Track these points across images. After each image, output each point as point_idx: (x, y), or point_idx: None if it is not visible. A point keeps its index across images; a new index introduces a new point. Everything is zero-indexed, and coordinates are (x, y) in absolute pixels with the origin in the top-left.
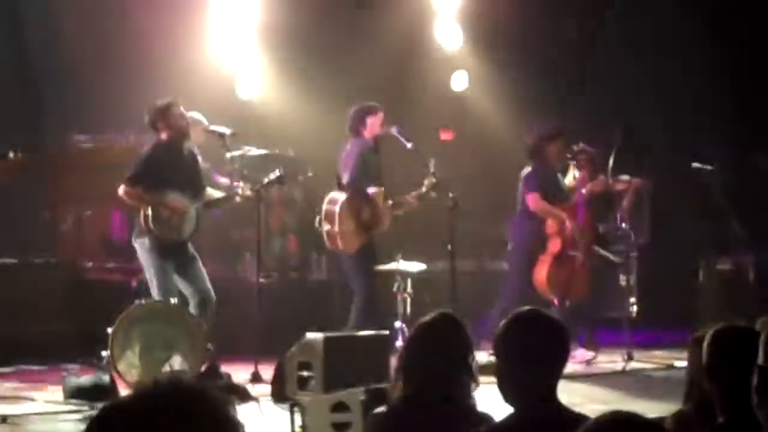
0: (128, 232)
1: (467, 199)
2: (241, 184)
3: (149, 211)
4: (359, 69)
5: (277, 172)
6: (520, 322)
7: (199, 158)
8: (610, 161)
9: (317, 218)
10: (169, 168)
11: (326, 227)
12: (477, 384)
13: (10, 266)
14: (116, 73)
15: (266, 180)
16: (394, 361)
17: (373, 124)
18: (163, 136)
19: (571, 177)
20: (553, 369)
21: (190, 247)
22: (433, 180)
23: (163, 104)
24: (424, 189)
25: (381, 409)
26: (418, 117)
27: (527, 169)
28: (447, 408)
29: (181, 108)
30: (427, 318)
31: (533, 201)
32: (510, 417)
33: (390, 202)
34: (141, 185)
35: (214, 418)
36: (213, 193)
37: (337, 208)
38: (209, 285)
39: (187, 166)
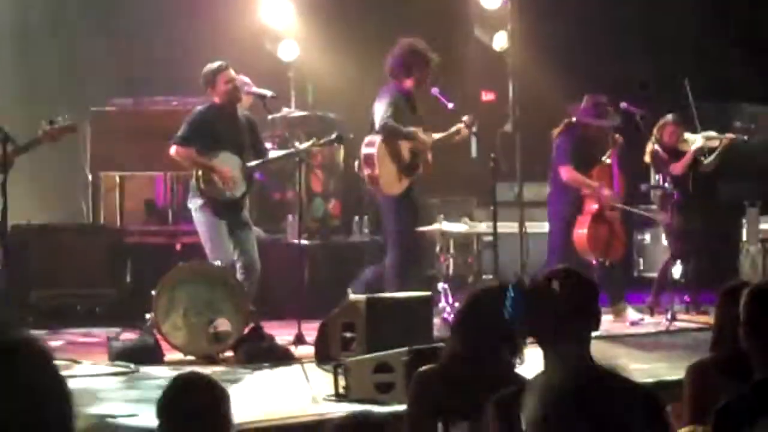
0: (171, 196)
1: (508, 160)
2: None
3: (200, 173)
4: (400, 30)
5: (335, 134)
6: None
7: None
8: (695, 119)
9: (356, 162)
10: (221, 129)
11: (367, 171)
12: (521, 357)
13: (54, 230)
14: (160, 37)
15: (324, 139)
16: (437, 322)
17: (419, 77)
18: (216, 99)
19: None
20: (584, 325)
21: (245, 213)
22: (471, 117)
23: (212, 69)
24: (462, 124)
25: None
26: (460, 78)
27: (557, 135)
28: (492, 367)
29: (231, 72)
30: (477, 290)
31: (565, 173)
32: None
33: (432, 137)
34: (192, 146)
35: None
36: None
37: (375, 150)
38: (257, 255)
39: (241, 129)
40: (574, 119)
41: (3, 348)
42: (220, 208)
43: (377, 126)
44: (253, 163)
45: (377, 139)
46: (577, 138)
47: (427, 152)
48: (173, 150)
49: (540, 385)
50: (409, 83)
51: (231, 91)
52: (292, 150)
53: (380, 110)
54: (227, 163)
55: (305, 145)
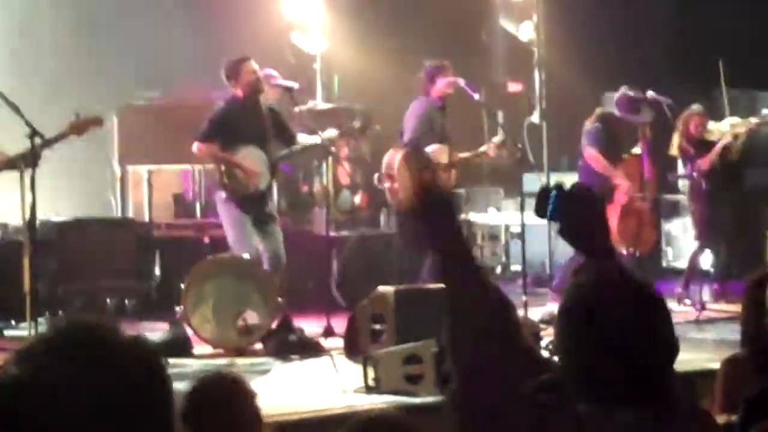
0: (199, 189)
1: (534, 151)
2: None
3: (223, 167)
4: (426, 22)
5: (358, 121)
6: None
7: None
8: (725, 104)
9: (376, 175)
10: (243, 124)
11: (387, 184)
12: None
13: (83, 224)
14: (185, 31)
15: (348, 126)
16: None
17: (442, 84)
18: (238, 92)
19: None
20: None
21: (270, 205)
22: (501, 138)
23: (235, 60)
24: (491, 145)
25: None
26: (486, 69)
27: (590, 125)
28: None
29: (254, 64)
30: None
31: (588, 155)
32: None
33: (458, 156)
34: (213, 141)
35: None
36: (306, 139)
37: (395, 164)
38: (282, 248)
39: (264, 122)
40: (607, 109)
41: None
42: (243, 201)
43: (405, 139)
44: (280, 154)
45: (399, 154)
46: (607, 129)
47: (447, 179)
48: (195, 147)
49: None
50: (436, 92)
51: (255, 82)
52: (316, 139)
53: (411, 123)
54: (250, 157)
55: (328, 133)
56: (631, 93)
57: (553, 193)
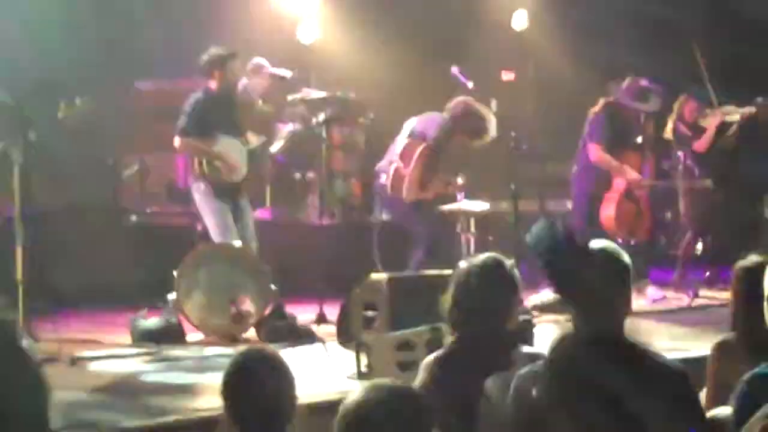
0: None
1: (529, 139)
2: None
3: (204, 159)
4: (419, 9)
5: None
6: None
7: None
8: (711, 92)
9: (393, 152)
10: (217, 115)
11: (399, 163)
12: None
13: (76, 212)
14: (179, 19)
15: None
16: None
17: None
18: (212, 84)
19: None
20: (614, 300)
21: (244, 195)
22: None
23: (224, 54)
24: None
25: (434, 355)
26: (479, 57)
27: (594, 113)
28: (497, 350)
29: (238, 64)
30: (471, 261)
31: (593, 152)
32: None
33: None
34: (192, 135)
35: None
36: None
37: (417, 151)
38: (254, 237)
39: (237, 112)
40: (612, 99)
41: None
42: (221, 191)
43: (430, 136)
44: (253, 144)
45: (423, 144)
46: (613, 118)
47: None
48: (177, 142)
49: (560, 356)
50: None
51: (234, 85)
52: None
53: (435, 126)
54: (231, 150)
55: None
56: (636, 81)
57: (555, 234)
